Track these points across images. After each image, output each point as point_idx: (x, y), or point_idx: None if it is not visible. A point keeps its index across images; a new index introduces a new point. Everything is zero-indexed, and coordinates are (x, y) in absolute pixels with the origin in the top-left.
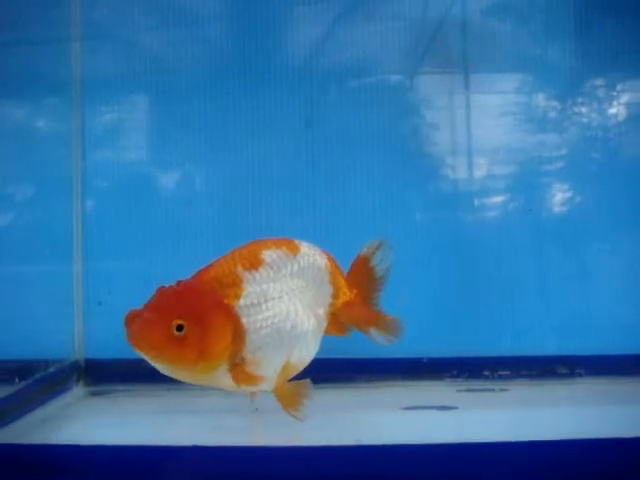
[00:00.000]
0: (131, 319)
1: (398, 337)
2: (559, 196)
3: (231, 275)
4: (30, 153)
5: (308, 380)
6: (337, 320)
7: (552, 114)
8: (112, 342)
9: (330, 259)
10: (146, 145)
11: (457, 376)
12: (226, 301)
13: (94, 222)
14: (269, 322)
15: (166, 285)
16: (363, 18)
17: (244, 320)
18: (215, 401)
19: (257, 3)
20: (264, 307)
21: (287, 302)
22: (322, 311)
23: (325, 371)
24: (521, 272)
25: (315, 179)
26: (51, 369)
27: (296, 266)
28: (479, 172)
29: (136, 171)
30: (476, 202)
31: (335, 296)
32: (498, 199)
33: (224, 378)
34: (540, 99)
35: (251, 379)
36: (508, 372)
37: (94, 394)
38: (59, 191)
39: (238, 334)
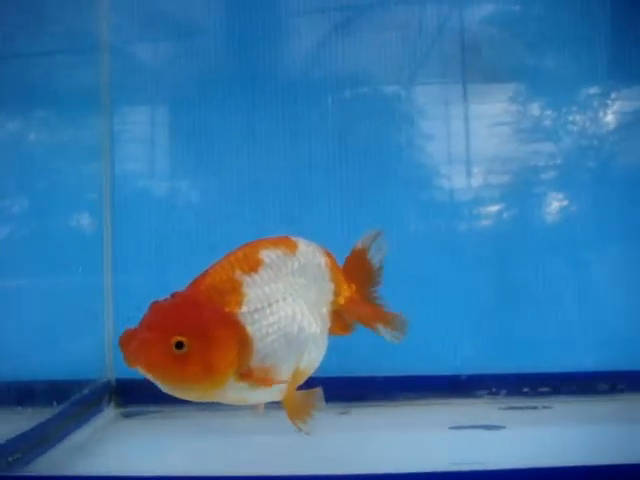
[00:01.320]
0: (126, 340)
1: (403, 334)
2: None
3: (229, 281)
4: (59, 163)
5: (319, 389)
6: (340, 318)
7: (548, 122)
8: None
9: (329, 256)
10: (177, 156)
11: (496, 393)
12: (227, 309)
13: (124, 235)
14: (275, 327)
15: (160, 299)
16: (359, 29)
17: (249, 328)
18: (250, 421)
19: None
20: (268, 311)
21: (292, 303)
22: (325, 310)
23: (359, 388)
24: (560, 286)
25: (312, 190)
26: (85, 391)
27: (296, 264)
28: (504, 181)
29: (168, 183)
30: (514, 215)
31: (337, 294)
32: (537, 211)
33: (232, 392)
34: (535, 108)
35: (265, 381)
36: (548, 389)
37: (126, 416)
38: (89, 203)
39: (244, 344)
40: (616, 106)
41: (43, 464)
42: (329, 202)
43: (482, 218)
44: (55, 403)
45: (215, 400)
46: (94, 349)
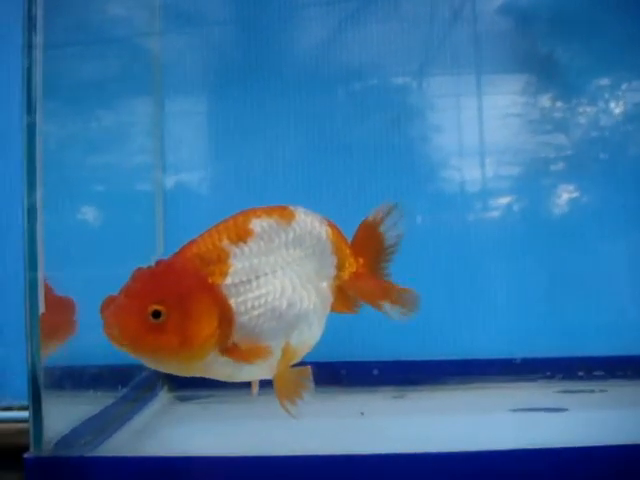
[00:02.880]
0: (106, 305)
1: (413, 311)
2: None
3: (216, 250)
4: (112, 158)
5: (309, 367)
6: (344, 295)
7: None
8: None
9: (332, 226)
10: (227, 151)
11: (551, 377)
12: (210, 280)
13: (174, 227)
14: (262, 301)
15: (144, 266)
16: (371, 19)
17: (232, 301)
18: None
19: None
20: (255, 285)
21: (282, 277)
22: (326, 285)
23: (413, 372)
24: (613, 269)
25: (318, 181)
26: (143, 374)
27: (291, 235)
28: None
29: (218, 180)
30: (568, 198)
31: (340, 267)
32: (587, 195)
33: (216, 366)
34: (546, 99)
35: (250, 354)
36: (602, 372)
37: (180, 399)
38: (141, 195)
39: (226, 317)
40: (630, 96)
41: (110, 447)
42: (339, 193)
43: (533, 203)
44: (120, 387)
45: (200, 374)
46: None
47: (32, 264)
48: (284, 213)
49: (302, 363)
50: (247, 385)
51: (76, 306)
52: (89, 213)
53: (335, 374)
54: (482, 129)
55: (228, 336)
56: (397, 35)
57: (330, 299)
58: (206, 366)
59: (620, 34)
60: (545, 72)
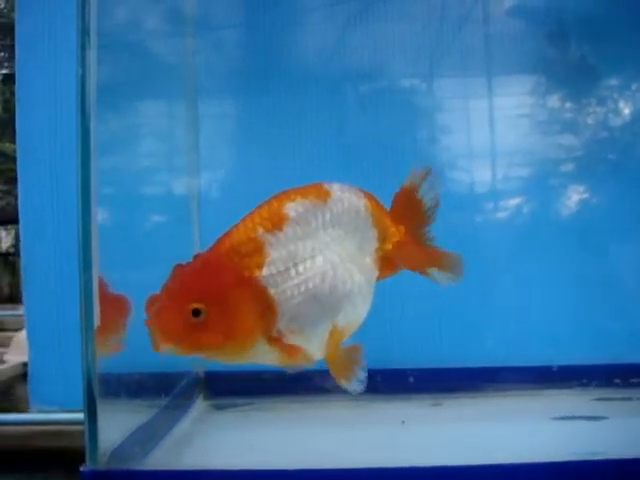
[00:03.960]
0: (149, 305)
1: (460, 275)
2: None
3: (250, 242)
4: (150, 160)
5: (360, 344)
6: (390, 263)
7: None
8: None
9: (370, 198)
10: (263, 149)
11: (587, 385)
12: (247, 273)
13: (209, 228)
14: (302, 288)
15: (183, 262)
16: (378, 20)
17: (272, 291)
18: (341, 412)
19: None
20: (294, 272)
21: (321, 261)
22: (370, 260)
23: (450, 380)
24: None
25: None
26: (183, 382)
27: (328, 215)
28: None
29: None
30: (598, 203)
31: (382, 239)
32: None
33: (267, 354)
34: (555, 100)
35: (292, 352)
36: (639, 380)
37: (217, 408)
38: (176, 197)
39: (267, 308)
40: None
41: (159, 455)
42: None
43: (569, 205)
44: (163, 395)
45: (253, 362)
46: None
47: (86, 264)
48: (319, 192)
49: None
50: (283, 392)
51: (130, 305)
52: (122, 215)
53: (371, 381)
54: (492, 130)
55: (272, 326)
56: (406, 36)
57: (375, 273)
58: (257, 355)
59: (630, 34)
60: (556, 73)
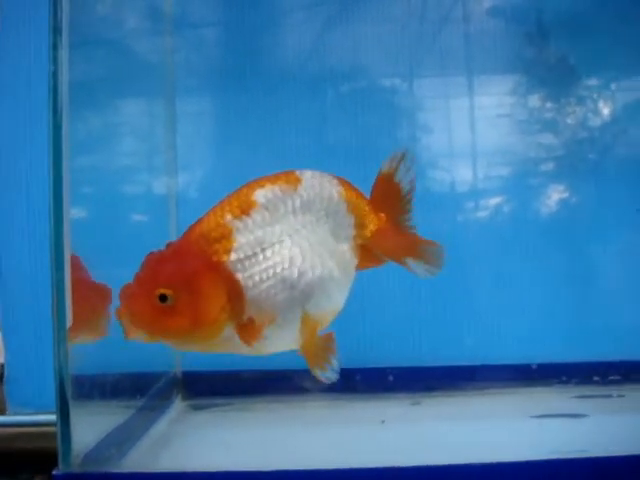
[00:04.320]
0: (122, 294)
1: (439, 267)
2: None
3: (219, 227)
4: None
5: (331, 333)
6: (370, 252)
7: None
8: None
9: (345, 184)
10: (242, 148)
11: (566, 382)
12: (215, 259)
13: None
14: (270, 273)
15: (155, 250)
16: (359, 21)
17: (239, 276)
18: (320, 412)
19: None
20: (261, 257)
21: (290, 246)
22: (347, 247)
23: (430, 379)
24: (621, 274)
25: None
26: (160, 383)
27: (298, 201)
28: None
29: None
30: (580, 200)
31: (360, 226)
32: (609, 196)
33: (236, 341)
34: (536, 100)
35: (259, 339)
36: (618, 377)
37: (195, 408)
38: (154, 196)
39: (235, 293)
40: (618, 96)
41: (135, 457)
42: None
43: (550, 204)
44: (139, 396)
45: (225, 351)
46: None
47: (59, 264)
48: (290, 179)
49: None
50: (262, 392)
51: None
52: (100, 214)
53: (350, 380)
54: (472, 129)
55: (241, 312)
56: (386, 36)
57: (354, 261)
58: (227, 343)
59: (610, 34)
60: (535, 73)
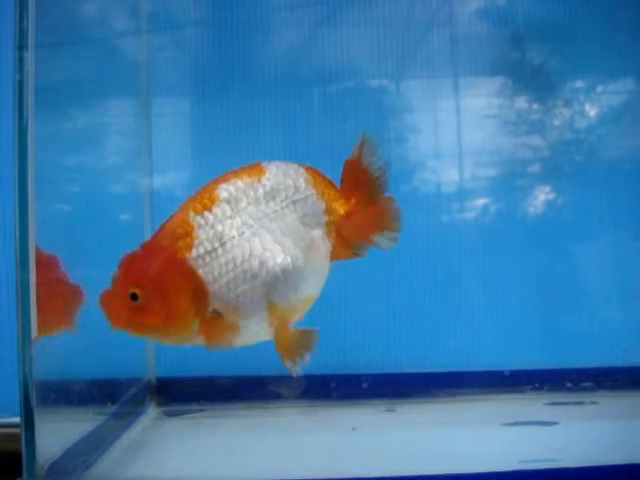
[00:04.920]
0: (100, 295)
1: (397, 230)
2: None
3: (183, 224)
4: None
5: (314, 329)
6: (343, 240)
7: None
8: (183, 359)
9: (312, 172)
10: (219, 149)
11: (539, 388)
12: (179, 255)
13: None
14: (230, 266)
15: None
16: (346, 23)
17: (200, 271)
18: (296, 420)
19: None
20: (220, 251)
21: (250, 237)
22: (319, 233)
23: (403, 385)
24: (599, 281)
25: None
26: (133, 390)
27: (261, 191)
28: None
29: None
30: (560, 205)
31: (330, 211)
32: (583, 204)
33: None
34: (522, 102)
35: (226, 332)
36: (591, 384)
37: (169, 415)
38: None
39: (198, 288)
40: (603, 99)
41: (103, 467)
42: None
43: (535, 209)
44: (109, 403)
45: (202, 344)
46: (135, 348)
47: (24, 265)
48: (253, 171)
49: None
50: (238, 398)
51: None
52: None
53: (325, 387)
54: (459, 130)
55: (206, 307)
56: (374, 38)
57: (327, 248)
58: (198, 337)
59: (594, 38)
60: (521, 75)
